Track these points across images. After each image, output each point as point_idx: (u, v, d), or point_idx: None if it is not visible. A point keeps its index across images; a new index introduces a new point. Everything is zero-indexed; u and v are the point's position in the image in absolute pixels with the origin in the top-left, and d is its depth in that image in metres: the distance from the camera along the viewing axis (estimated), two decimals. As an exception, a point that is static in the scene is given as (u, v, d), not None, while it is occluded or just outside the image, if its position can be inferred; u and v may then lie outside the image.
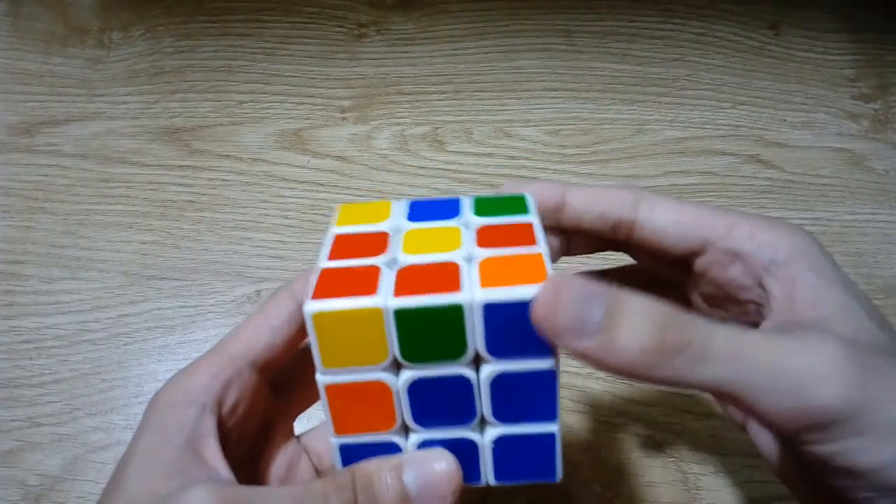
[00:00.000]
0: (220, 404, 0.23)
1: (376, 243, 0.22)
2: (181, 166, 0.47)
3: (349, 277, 0.20)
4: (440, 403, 0.20)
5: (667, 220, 0.24)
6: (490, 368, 0.20)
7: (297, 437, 0.27)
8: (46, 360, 0.42)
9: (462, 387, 0.20)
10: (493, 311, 0.19)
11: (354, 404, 0.20)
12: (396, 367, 0.20)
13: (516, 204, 0.24)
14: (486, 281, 0.19)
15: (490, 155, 0.48)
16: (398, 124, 0.48)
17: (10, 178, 0.46)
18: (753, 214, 0.23)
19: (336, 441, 0.21)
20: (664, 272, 0.26)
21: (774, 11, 0.52)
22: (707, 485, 0.37)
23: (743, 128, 0.49)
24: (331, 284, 0.20)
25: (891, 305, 0.46)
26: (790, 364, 0.18)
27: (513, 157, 0.48)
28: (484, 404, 0.21)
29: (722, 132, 0.49)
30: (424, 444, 0.21)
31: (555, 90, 0.49)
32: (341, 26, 0.50)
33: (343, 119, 0.48)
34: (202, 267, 0.44)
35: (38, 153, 0.47)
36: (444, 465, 0.20)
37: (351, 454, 0.21)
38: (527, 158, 0.48)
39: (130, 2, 0.50)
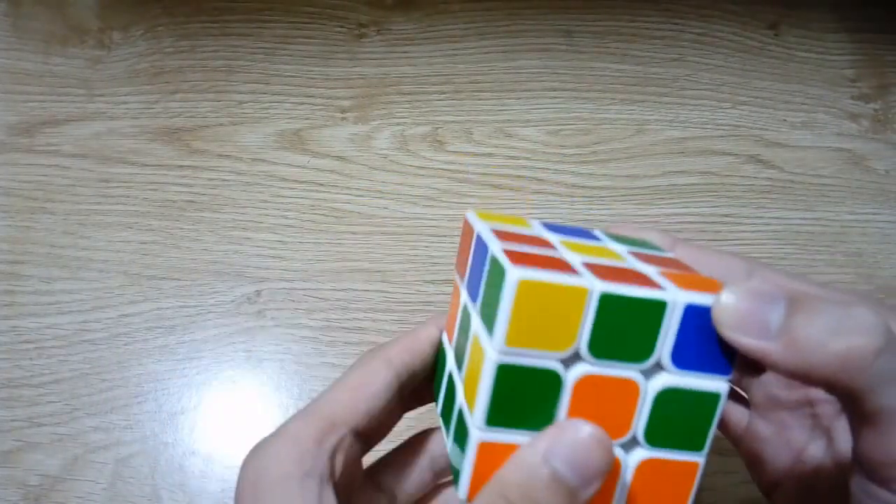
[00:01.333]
0: (333, 474, 0.22)
1: (541, 241, 0.21)
2: (181, 166, 0.47)
3: (540, 260, 0.18)
4: (599, 407, 0.19)
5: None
6: (664, 378, 0.19)
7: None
8: (46, 360, 0.42)
9: (628, 393, 0.19)
10: (692, 315, 0.18)
11: (515, 393, 0.19)
12: (572, 360, 0.19)
13: (649, 244, 0.23)
14: (683, 287, 0.19)
15: (490, 155, 0.48)
16: (398, 124, 0.48)
17: (10, 178, 0.46)
18: (862, 297, 0.21)
19: (478, 435, 0.19)
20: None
21: (774, 11, 0.52)
22: (707, 485, 0.37)
23: (743, 128, 0.49)
24: (525, 260, 0.18)
25: (891, 305, 0.46)
26: None
27: (513, 157, 0.48)
28: (640, 420, 0.19)
29: (722, 132, 0.49)
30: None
31: (555, 90, 0.49)
32: (341, 26, 0.50)
33: (343, 119, 0.48)
34: (202, 267, 0.44)
35: (38, 153, 0.47)
36: (587, 428, 0.18)
37: (487, 455, 0.19)
38: (527, 158, 0.48)
39: (130, 2, 0.50)
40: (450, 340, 0.24)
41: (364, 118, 0.48)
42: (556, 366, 0.18)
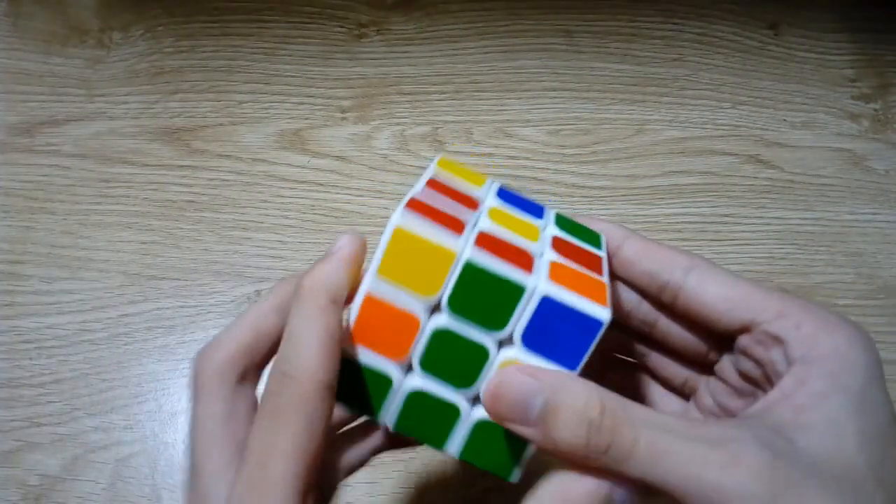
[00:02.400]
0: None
1: (467, 201, 0.23)
2: (181, 166, 0.47)
3: (437, 214, 0.21)
4: (451, 362, 0.21)
5: (717, 294, 0.23)
6: (511, 352, 0.21)
7: None
8: (46, 360, 0.42)
9: (479, 357, 0.21)
10: (548, 307, 0.20)
11: (379, 323, 0.21)
12: (434, 309, 0.21)
13: (592, 237, 0.25)
14: (554, 278, 0.20)
15: (490, 155, 0.48)
16: (398, 124, 0.48)
17: (10, 178, 0.46)
18: (812, 305, 0.22)
19: (343, 348, 0.21)
20: (699, 343, 0.26)
21: (774, 11, 0.52)
22: None
23: (743, 128, 0.49)
24: (422, 209, 0.20)
25: (891, 305, 0.46)
26: (707, 475, 0.19)
27: (513, 157, 0.48)
28: (486, 383, 0.21)
29: (722, 132, 0.49)
30: (415, 391, 0.22)
31: (555, 90, 0.49)
32: (341, 26, 0.50)
33: (343, 119, 0.48)
34: (202, 267, 0.44)
35: (38, 153, 0.47)
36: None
37: (348, 369, 0.21)
38: (527, 158, 0.48)
39: (130, 2, 0.50)
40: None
41: (364, 118, 0.48)
42: (418, 309, 0.21)
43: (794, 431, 0.20)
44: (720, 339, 0.25)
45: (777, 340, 0.22)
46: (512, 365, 0.21)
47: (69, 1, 0.50)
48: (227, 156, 0.47)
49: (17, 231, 0.45)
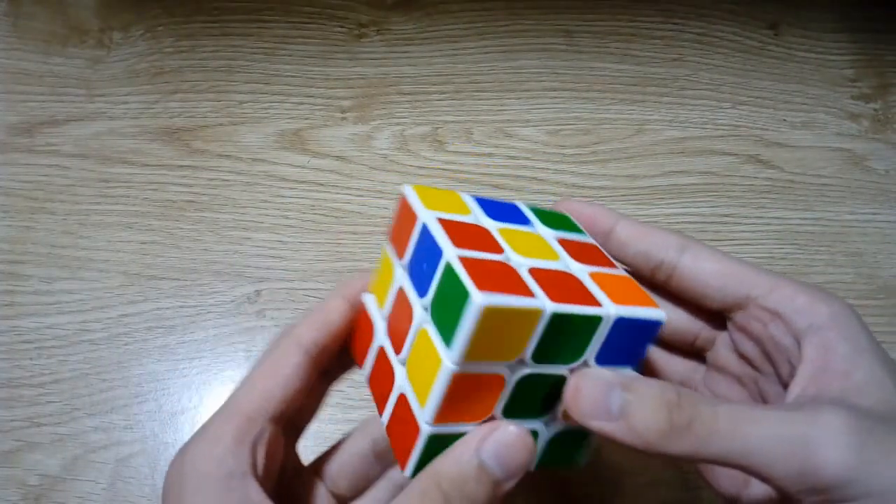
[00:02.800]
0: (255, 468, 0.22)
1: (486, 238, 0.22)
2: (181, 166, 0.47)
3: (494, 272, 0.20)
4: (532, 400, 0.22)
5: (710, 270, 0.24)
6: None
7: (306, 466, 0.27)
8: (46, 360, 0.42)
9: (557, 386, 0.22)
10: (618, 326, 0.21)
11: (463, 395, 0.21)
12: (517, 368, 0.21)
13: (568, 222, 0.25)
14: (613, 298, 0.21)
15: (490, 155, 0.48)
16: (398, 124, 0.48)
17: (10, 178, 0.46)
18: (797, 281, 0.23)
19: (428, 430, 0.21)
20: (695, 323, 0.27)
21: (774, 11, 0.52)
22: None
23: (743, 128, 0.49)
24: (483, 277, 0.20)
25: (891, 305, 0.46)
26: (791, 431, 0.19)
27: (513, 157, 0.48)
28: (560, 405, 0.22)
29: (722, 132, 0.49)
30: None
31: (555, 90, 0.49)
32: (341, 26, 0.50)
33: (343, 119, 0.48)
34: (202, 267, 0.44)
35: (38, 153, 0.47)
36: (512, 428, 0.21)
37: (434, 445, 0.21)
38: (527, 158, 0.48)
39: (130, 2, 0.50)
40: (379, 306, 0.25)
41: (364, 118, 0.48)
42: (503, 370, 0.21)
43: (852, 396, 0.20)
44: (713, 317, 0.25)
45: (774, 314, 0.23)
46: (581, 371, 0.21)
47: (69, 1, 0.50)
48: (227, 156, 0.47)
49: (17, 231, 0.45)
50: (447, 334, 0.20)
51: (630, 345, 0.22)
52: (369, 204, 0.46)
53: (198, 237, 0.45)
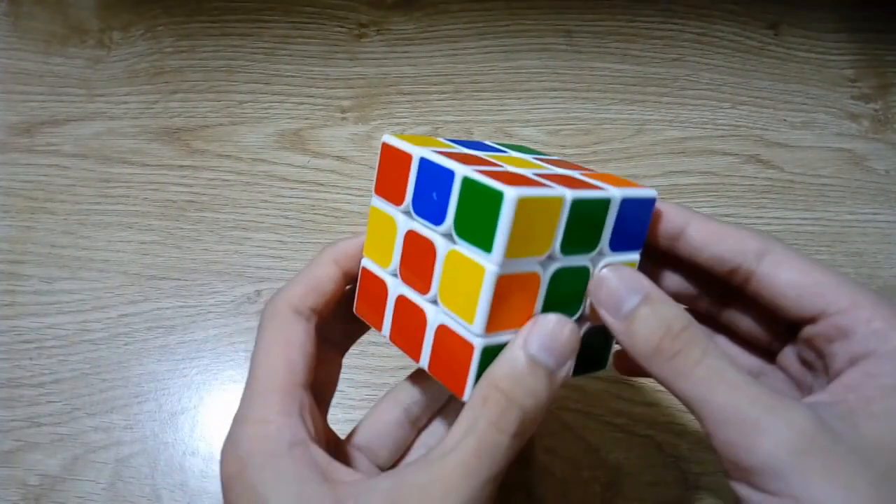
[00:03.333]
0: (309, 434, 0.23)
1: (480, 160, 0.23)
2: (181, 166, 0.47)
3: (508, 177, 0.21)
4: (563, 295, 0.23)
5: (787, 281, 0.23)
6: (605, 259, 0.23)
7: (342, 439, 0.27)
8: (46, 360, 0.42)
9: (583, 278, 0.23)
10: (626, 206, 0.23)
11: (507, 298, 0.21)
12: (548, 262, 0.22)
13: (532, 150, 0.27)
14: (611, 185, 0.23)
15: (490, 155, 0.48)
16: (398, 124, 0.48)
17: (10, 178, 0.46)
18: (883, 299, 0.22)
19: (482, 342, 0.22)
20: (767, 325, 0.26)
21: (774, 11, 0.52)
22: (707, 485, 0.37)
23: (743, 128, 0.49)
24: (503, 180, 0.21)
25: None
26: (752, 409, 0.20)
27: (513, 157, 0.48)
28: (587, 300, 0.24)
29: (722, 132, 0.49)
30: None
31: (555, 90, 0.49)
32: (341, 26, 0.50)
33: (343, 119, 0.48)
34: (202, 267, 0.44)
35: (38, 153, 0.47)
36: (550, 316, 0.22)
37: (488, 358, 0.22)
38: (527, 158, 0.48)
39: (130, 2, 0.50)
40: (383, 265, 0.25)
41: (364, 118, 0.48)
42: (537, 268, 0.22)
43: (860, 418, 0.20)
44: (787, 326, 0.24)
45: (843, 333, 0.22)
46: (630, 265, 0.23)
47: (69, 1, 0.50)
48: (227, 156, 0.47)
49: (17, 231, 0.45)
50: (484, 240, 0.21)
51: (634, 226, 0.24)
52: (369, 204, 0.46)
53: (198, 237, 0.45)
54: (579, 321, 0.24)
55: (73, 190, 0.46)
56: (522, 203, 0.20)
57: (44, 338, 0.42)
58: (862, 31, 0.52)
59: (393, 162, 0.24)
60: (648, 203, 0.24)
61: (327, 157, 0.47)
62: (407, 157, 0.23)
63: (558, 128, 0.49)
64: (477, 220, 0.21)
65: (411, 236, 0.23)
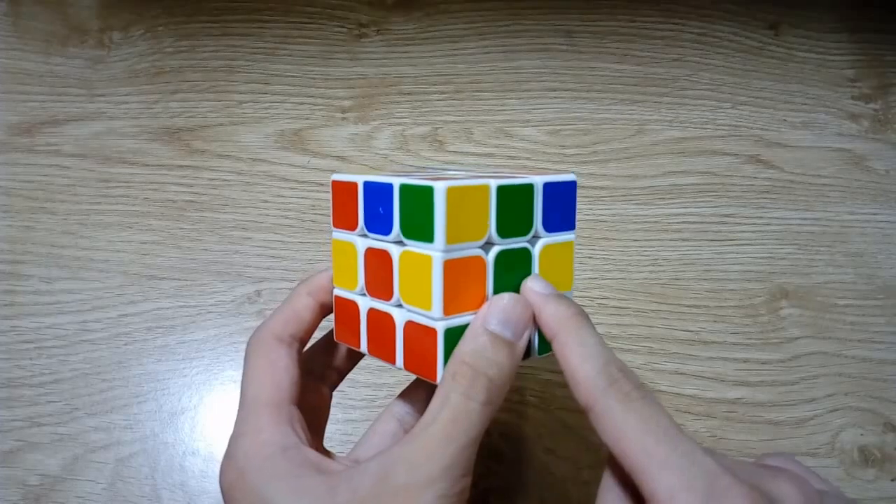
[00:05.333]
0: (302, 440, 0.25)
1: (412, 176, 0.26)
2: (181, 166, 0.47)
3: (439, 179, 0.24)
4: (510, 276, 0.25)
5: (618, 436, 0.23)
6: (539, 244, 0.26)
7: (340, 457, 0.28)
8: (46, 360, 0.42)
9: (526, 260, 0.25)
10: (549, 191, 0.26)
11: (458, 282, 0.24)
12: (488, 246, 0.25)
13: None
14: (532, 174, 0.26)
15: (490, 155, 0.48)
16: (398, 124, 0.48)
17: (11, 178, 0.46)
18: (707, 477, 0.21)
19: (443, 325, 0.24)
20: None
21: (774, 11, 0.52)
22: None
23: (743, 128, 0.49)
24: (433, 180, 0.23)
25: (891, 305, 0.46)
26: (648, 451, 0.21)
27: (513, 157, 0.48)
28: (535, 268, 0.26)
29: (722, 132, 0.49)
30: None
31: (555, 90, 0.49)
32: (341, 26, 0.50)
33: (343, 119, 0.48)
34: (202, 267, 0.44)
35: (38, 153, 0.47)
36: (515, 301, 0.24)
37: (452, 340, 0.24)
38: (527, 158, 0.48)
39: (130, 2, 0.50)
40: (351, 288, 0.27)
41: (364, 118, 0.48)
42: (479, 252, 0.24)
43: None
44: None
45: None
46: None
47: (69, 1, 0.50)
48: (227, 156, 0.47)
49: (17, 231, 0.45)
50: (426, 233, 0.23)
51: (562, 208, 0.26)
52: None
53: (198, 237, 0.45)
54: None
55: (73, 190, 0.46)
56: (451, 192, 0.23)
57: (44, 338, 0.42)
58: (862, 31, 0.52)
59: (343, 194, 0.27)
60: (570, 186, 0.27)
61: (327, 157, 0.47)
62: (353, 186, 0.27)
63: (558, 128, 0.49)
64: (417, 218, 0.24)
65: (369, 253, 0.26)
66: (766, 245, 0.47)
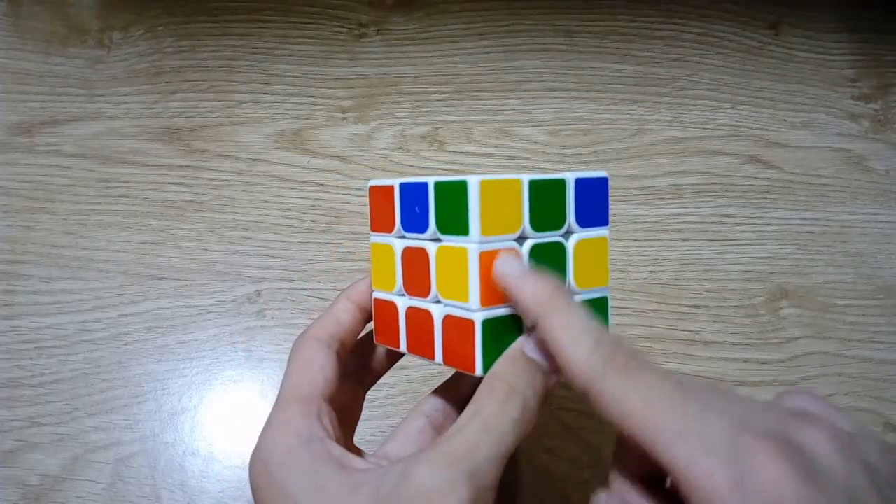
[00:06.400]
0: (326, 433, 0.25)
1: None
2: (181, 166, 0.47)
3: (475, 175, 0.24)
4: (547, 269, 0.25)
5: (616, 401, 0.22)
6: (573, 238, 0.26)
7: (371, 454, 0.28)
8: (46, 360, 0.42)
9: (560, 253, 0.26)
10: (580, 187, 0.26)
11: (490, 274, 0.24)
12: (522, 240, 0.25)
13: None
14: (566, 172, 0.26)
15: (490, 155, 0.48)
16: (398, 124, 0.48)
17: (10, 178, 0.46)
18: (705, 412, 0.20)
19: (480, 316, 0.24)
20: None
21: (774, 11, 0.52)
22: None
23: (743, 128, 0.49)
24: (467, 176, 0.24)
25: (891, 305, 0.46)
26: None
27: (513, 157, 0.48)
28: (569, 266, 0.26)
29: (722, 132, 0.49)
30: None
31: (555, 90, 0.49)
32: (341, 26, 0.50)
33: (343, 119, 0.48)
34: (202, 267, 0.44)
35: (38, 153, 0.47)
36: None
37: (490, 331, 0.24)
38: (527, 158, 0.48)
39: (130, 2, 0.50)
40: (389, 289, 0.28)
41: (364, 118, 0.48)
42: (514, 245, 0.25)
43: None
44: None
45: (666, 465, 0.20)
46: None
47: (69, 1, 0.50)
48: (227, 156, 0.47)
49: (17, 231, 0.45)
50: (462, 226, 0.24)
51: (595, 204, 0.27)
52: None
53: (198, 237, 0.45)
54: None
55: (73, 190, 0.46)
56: (485, 186, 0.23)
57: (44, 338, 0.42)
58: (862, 31, 0.52)
59: (379, 198, 0.28)
60: (602, 182, 0.27)
61: (327, 157, 0.47)
62: (390, 189, 0.27)
63: (558, 128, 0.49)
64: (452, 213, 0.24)
65: (407, 252, 0.27)
66: (766, 245, 0.47)
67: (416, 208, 0.26)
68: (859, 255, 0.47)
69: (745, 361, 0.44)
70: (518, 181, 0.25)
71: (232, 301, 0.43)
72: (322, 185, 0.46)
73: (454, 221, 0.24)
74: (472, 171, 0.47)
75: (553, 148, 0.48)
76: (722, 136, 0.49)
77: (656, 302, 0.45)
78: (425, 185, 0.25)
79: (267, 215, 0.46)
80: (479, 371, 0.24)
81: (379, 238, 0.28)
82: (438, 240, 0.25)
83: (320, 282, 0.44)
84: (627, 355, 0.21)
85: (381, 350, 0.31)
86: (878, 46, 0.52)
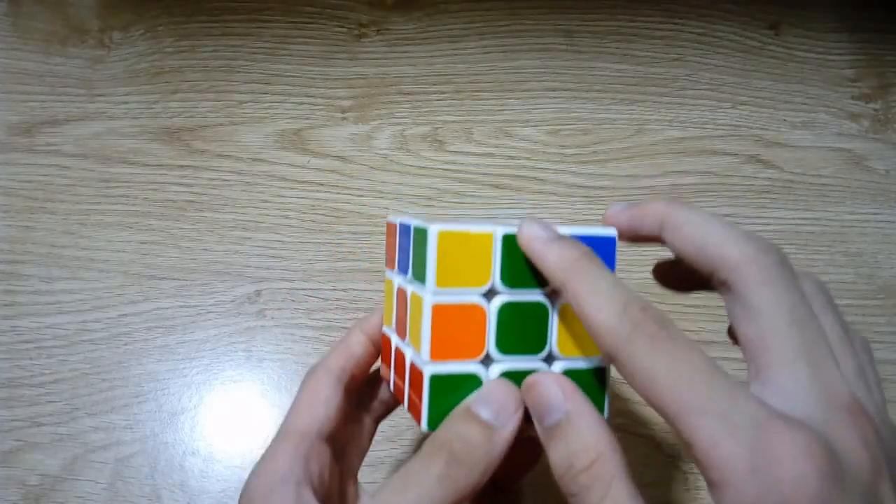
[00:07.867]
0: (309, 477, 0.25)
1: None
2: (181, 166, 0.47)
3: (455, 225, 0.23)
4: (521, 332, 0.23)
5: (688, 237, 0.23)
6: (562, 301, 0.24)
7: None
8: (46, 360, 0.42)
9: (542, 315, 0.23)
10: (579, 240, 0.23)
11: (451, 328, 0.23)
12: (491, 295, 0.23)
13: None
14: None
15: (490, 155, 0.48)
16: (398, 124, 0.48)
17: (10, 178, 0.46)
18: (768, 249, 0.22)
19: (429, 369, 0.23)
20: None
21: (774, 11, 0.52)
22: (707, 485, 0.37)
23: (743, 128, 0.49)
24: (441, 222, 0.23)
25: (891, 305, 0.46)
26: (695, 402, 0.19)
27: (513, 157, 0.48)
28: (552, 334, 0.24)
29: (722, 132, 0.49)
30: (504, 373, 0.24)
31: (555, 90, 0.49)
32: (341, 26, 0.50)
33: (343, 119, 0.48)
34: (202, 267, 0.44)
35: (38, 153, 0.47)
36: (502, 385, 0.23)
37: (439, 387, 0.23)
38: (527, 158, 0.48)
39: (130, 2, 0.50)
40: (390, 324, 0.28)
41: (364, 118, 0.48)
42: (479, 300, 0.23)
43: (773, 397, 0.20)
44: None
45: (730, 289, 0.22)
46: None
47: (69, 1, 0.50)
48: (227, 156, 0.47)
49: (17, 231, 0.45)
50: (422, 274, 0.23)
51: None
52: (369, 204, 0.46)
53: (198, 237, 0.45)
54: (548, 360, 0.24)
55: (73, 190, 0.46)
56: (443, 236, 0.22)
57: (44, 338, 0.42)
58: (862, 31, 0.52)
59: (390, 234, 0.28)
60: (609, 242, 0.24)
61: (327, 157, 0.47)
62: (393, 227, 0.27)
63: (558, 128, 0.49)
64: (418, 259, 0.23)
65: (398, 292, 0.26)
66: (766, 245, 0.47)
67: (406, 250, 0.25)
68: (859, 255, 0.47)
69: (745, 361, 0.44)
70: (489, 235, 0.23)
71: (232, 301, 0.43)
72: (322, 185, 0.46)
73: (419, 267, 0.23)
74: (472, 172, 0.47)
75: (553, 148, 0.48)
76: (722, 136, 0.49)
77: (656, 302, 0.45)
78: (409, 228, 0.25)
79: (267, 215, 0.46)
80: (423, 426, 0.23)
81: (389, 274, 0.28)
82: (413, 284, 0.25)
83: (320, 282, 0.44)
84: (659, 322, 0.20)
85: None
86: (878, 46, 0.52)
